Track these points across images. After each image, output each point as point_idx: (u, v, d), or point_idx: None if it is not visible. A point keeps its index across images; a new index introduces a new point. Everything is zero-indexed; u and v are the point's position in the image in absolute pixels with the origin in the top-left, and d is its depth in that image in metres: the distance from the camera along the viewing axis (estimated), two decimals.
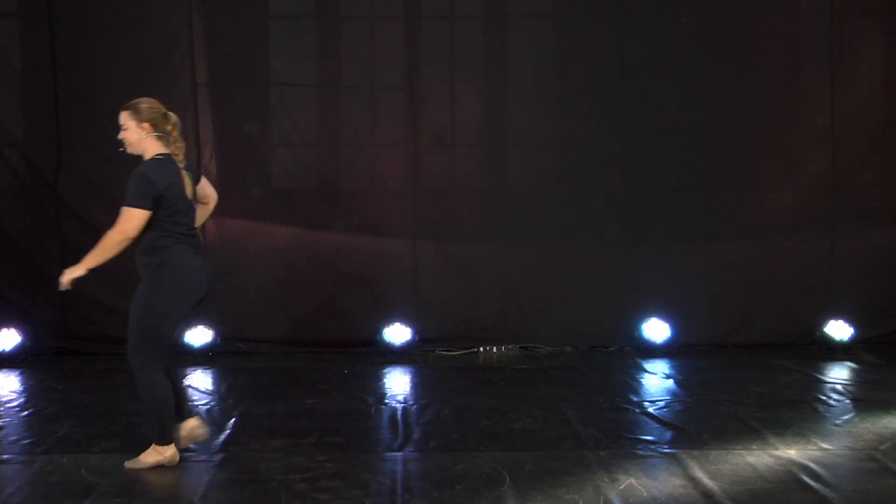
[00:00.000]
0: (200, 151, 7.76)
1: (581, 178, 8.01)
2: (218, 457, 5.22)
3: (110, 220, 7.59)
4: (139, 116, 4.90)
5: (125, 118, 4.93)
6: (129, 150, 4.95)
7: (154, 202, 4.78)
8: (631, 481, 4.78)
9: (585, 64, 7.98)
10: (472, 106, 8.21)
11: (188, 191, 4.97)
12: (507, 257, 8.00)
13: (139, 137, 4.91)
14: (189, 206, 4.98)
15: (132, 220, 4.77)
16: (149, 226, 4.82)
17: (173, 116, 4.98)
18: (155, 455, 5.01)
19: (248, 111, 8.03)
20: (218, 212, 7.70)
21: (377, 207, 8.03)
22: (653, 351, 7.78)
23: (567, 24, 8.12)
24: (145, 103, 4.94)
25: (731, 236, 8.00)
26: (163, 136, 4.93)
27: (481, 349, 8.00)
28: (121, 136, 4.94)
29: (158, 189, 4.78)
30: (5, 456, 5.23)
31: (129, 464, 5.02)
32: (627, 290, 7.94)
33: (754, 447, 5.32)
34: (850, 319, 7.82)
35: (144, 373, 4.89)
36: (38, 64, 7.69)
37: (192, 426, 5.12)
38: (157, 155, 4.91)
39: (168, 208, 4.84)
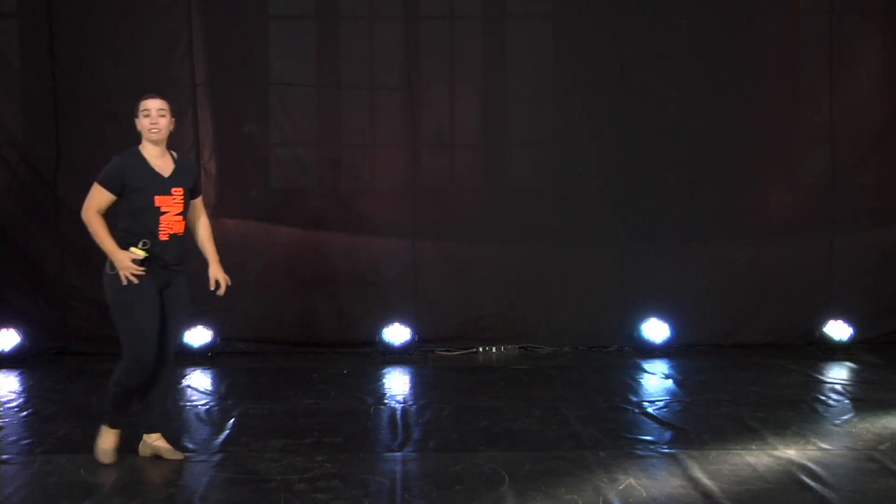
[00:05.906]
0: (200, 151, 7.77)
1: (581, 178, 8.02)
2: (217, 457, 5.22)
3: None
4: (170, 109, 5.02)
5: (165, 106, 4.95)
6: (158, 136, 4.93)
7: None
8: (630, 481, 4.78)
9: (585, 64, 7.99)
10: (472, 106, 8.21)
11: None
12: (507, 257, 8.00)
13: (168, 128, 4.98)
14: None
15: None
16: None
17: None
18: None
19: (247, 111, 8.03)
20: (218, 212, 7.87)
21: (377, 207, 8.03)
22: (652, 351, 7.78)
23: (567, 24, 8.13)
24: None
25: (730, 236, 8.00)
26: None
27: (481, 349, 8.00)
28: (157, 122, 4.90)
29: None
30: (5, 456, 5.23)
31: (173, 454, 5.15)
32: (627, 290, 7.94)
33: (754, 447, 5.32)
34: (849, 319, 7.82)
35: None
36: (37, 64, 7.70)
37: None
38: None
39: None
